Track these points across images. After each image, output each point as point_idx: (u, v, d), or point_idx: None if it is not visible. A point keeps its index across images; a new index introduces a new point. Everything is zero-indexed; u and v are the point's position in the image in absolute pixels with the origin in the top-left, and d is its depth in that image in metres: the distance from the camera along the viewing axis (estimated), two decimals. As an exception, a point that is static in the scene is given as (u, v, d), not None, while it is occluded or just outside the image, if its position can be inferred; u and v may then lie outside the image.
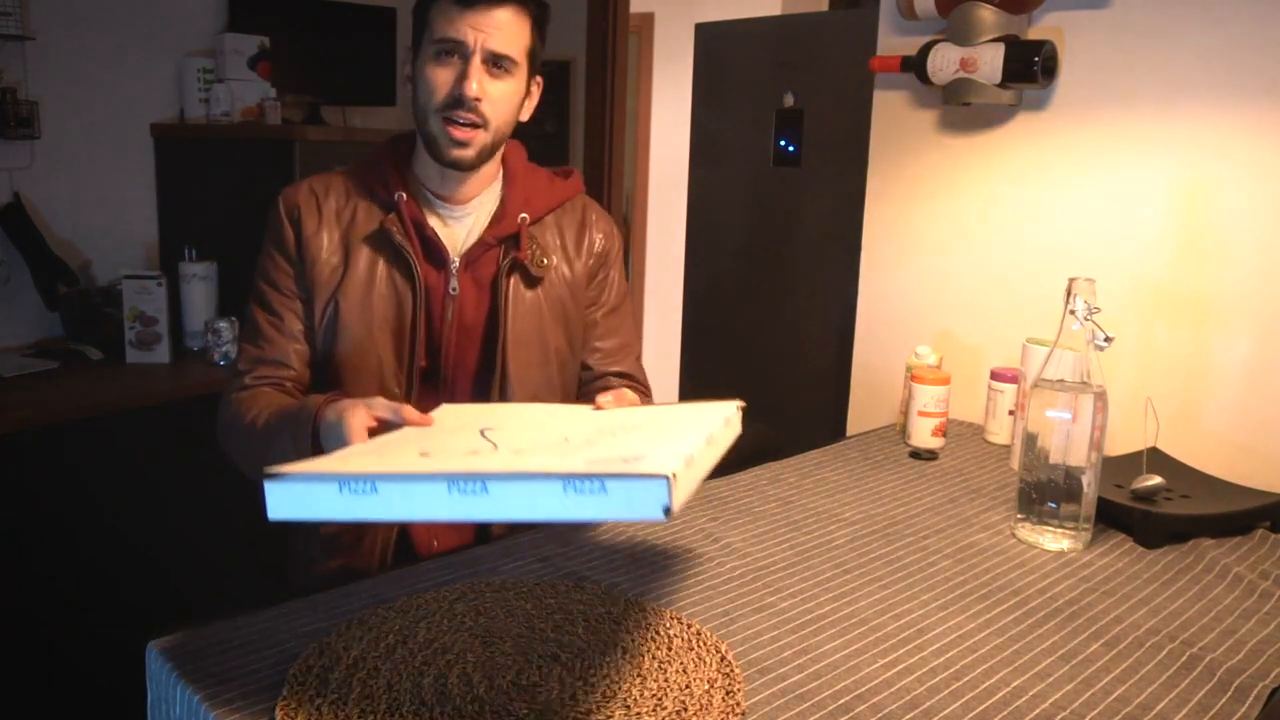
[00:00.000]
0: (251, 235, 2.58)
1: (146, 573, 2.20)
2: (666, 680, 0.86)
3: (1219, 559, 1.19)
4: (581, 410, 1.10)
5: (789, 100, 2.37)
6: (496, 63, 1.23)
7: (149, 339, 2.40)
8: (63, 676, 2.09)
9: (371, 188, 1.32)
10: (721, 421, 0.94)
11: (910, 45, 1.74)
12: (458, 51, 1.22)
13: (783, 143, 2.40)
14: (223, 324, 2.44)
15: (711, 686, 0.86)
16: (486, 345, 1.31)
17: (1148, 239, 1.56)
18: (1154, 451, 1.42)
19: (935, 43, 1.68)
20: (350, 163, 1.39)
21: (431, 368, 1.30)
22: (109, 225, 2.66)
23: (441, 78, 1.23)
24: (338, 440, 1.02)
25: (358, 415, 1.02)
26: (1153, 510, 1.25)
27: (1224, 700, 0.88)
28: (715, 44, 2.53)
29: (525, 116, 1.33)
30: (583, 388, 1.41)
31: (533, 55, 1.29)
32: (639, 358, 1.47)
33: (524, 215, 1.33)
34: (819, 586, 1.09)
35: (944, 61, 1.67)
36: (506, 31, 1.23)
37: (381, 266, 1.28)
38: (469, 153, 1.25)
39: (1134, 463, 1.37)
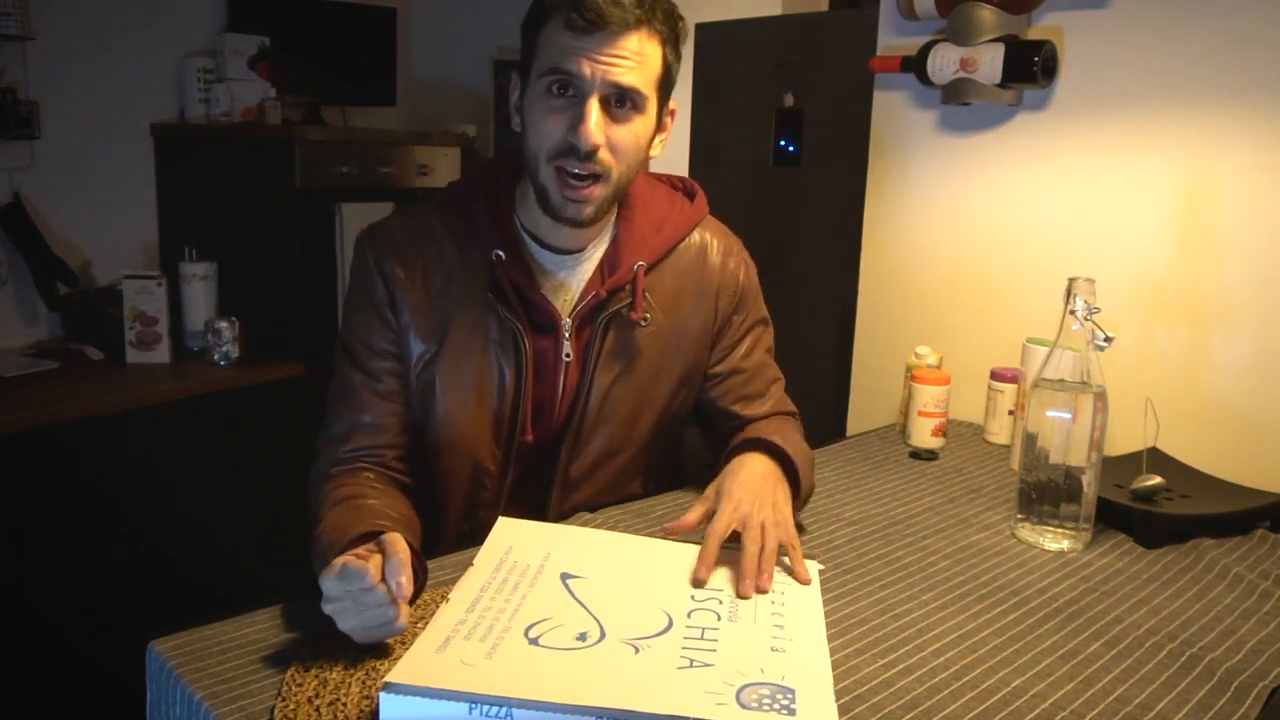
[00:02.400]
0: (251, 235, 2.61)
1: (147, 572, 2.20)
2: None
3: (1219, 559, 1.19)
4: (660, 550, 1.08)
5: (789, 100, 2.37)
6: (620, 100, 1.05)
7: (149, 339, 2.40)
8: (63, 674, 2.09)
9: (467, 236, 1.17)
10: (818, 597, 1.01)
11: (910, 45, 1.74)
12: (572, 87, 1.04)
13: (783, 143, 2.40)
14: (223, 324, 2.44)
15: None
16: (576, 401, 1.20)
17: (1148, 239, 1.56)
18: (1154, 451, 1.42)
19: (935, 43, 1.68)
20: (442, 195, 1.22)
21: (527, 429, 1.18)
22: (109, 225, 2.66)
23: (553, 119, 1.05)
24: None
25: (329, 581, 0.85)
26: (1153, 510, 1.25)
27: (1224, 700, 0.88)
28: (715, 44, 2.52)
29: (657, 153, 1.15)
30: (729, 436, 1.26)
31: (665, 83, 1.10)
32: (783, 385, 1.33)
33: (640, 263, 1.18)
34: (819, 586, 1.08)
35: (944, 61, 1.66)
36: (633, 61, 1.03)
37: (483, 338, 1.15)
38: (586, 210, 1.09)
39: (1134, 463, 1.36)
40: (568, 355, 1.18)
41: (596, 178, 1.08)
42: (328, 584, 0.86)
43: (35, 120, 2.44)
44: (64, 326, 2.56)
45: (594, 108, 1.04)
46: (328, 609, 0.87)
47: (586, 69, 1.03)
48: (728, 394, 1.30)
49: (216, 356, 2.44)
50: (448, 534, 1.24)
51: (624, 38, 1.03)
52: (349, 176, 2.62)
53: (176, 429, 2.28)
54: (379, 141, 2.75)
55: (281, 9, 2.92)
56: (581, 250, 1.20)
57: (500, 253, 1.15)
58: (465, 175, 1.25)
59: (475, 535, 1.22)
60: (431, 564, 1.08)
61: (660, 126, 1.14)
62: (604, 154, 1.07)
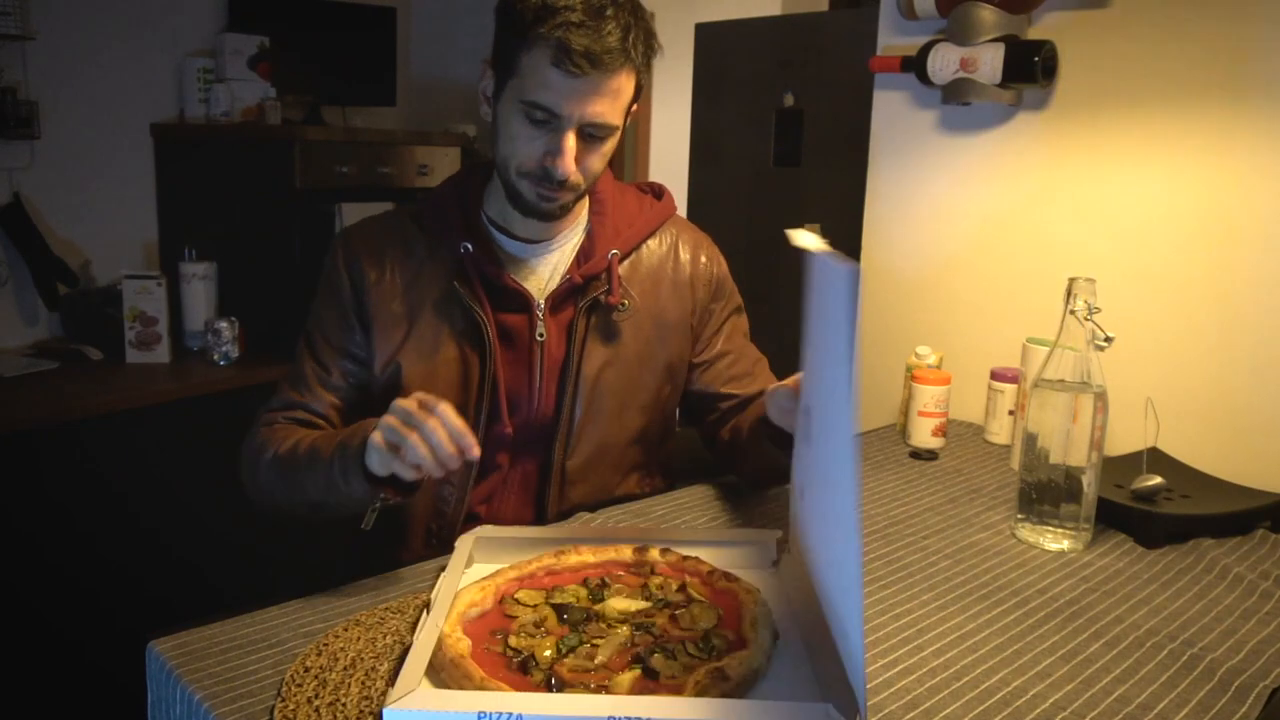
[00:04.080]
0: (251, 235, 2.60)
1: (148, 572, 2.20)
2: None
3: (1219, 559, 1.19)
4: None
5: (789, 100, 2.37)
6: (594, 131, 1.11)
7: (149, 339, 2.40)
8: (63, 674, 2.09)
9: (438, 234, 1.21)
10: None
11: (910, 45, 1.74)
12: (550, 122, 1.09)
13: (783, 143, 2.40)
14: (222, 324, 2.44)
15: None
16: (563, 392, 1.22)
17: (1148, 239, 1.56)
18: (1154, 451, 1.42)
19: (935, 43, 1.68)
20: (416, 200, 1.28)
21: (504, 419, 1.21)
22: (109, 225, 2.66)
23: (528, 144, 1.10)
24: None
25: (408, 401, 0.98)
26: (1153, 510, 1.25)
27: (1224, 700, 0.88)
28: (715, 44, 2.53)
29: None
30: (724, 418, 1.34)
31: (634, 100, 1.15)
32: (767, 365, 1.38)
33: (614, 251, 1.23)
34: (819, 586, 1.09)
35: (944, 61, 1.66)
36: (611, 98, 1.09)
37: (449, 327, 1.19)
38: (554, 207, 1.16)
39: (1134, 463, 1.36)
40: (541, 335, 1.20)
41: (566, 190, 1.14)
42: (400, 407, 0.96)
43: (35, 120, 2.44)
44: (64, 326, 2.56)
45: (571, 140, 1.10)
46: (393, 436, 0.95)
47: (566, 108, 1.08)
48: (719, 377, 1.35)
49: (216, 356, 2.44)
50: (414, 531, 1.24)
51: (608, 80, 1.08)
52: (349, 176, 2.62)
53: (176, 429, 2.28)
54: (379, 141, 2.75)
55: (281, 9, 2.92)
56: (551, 239, 1.24)
57: (468, 245, 1.19)
58: (441, 183, 1.30)
59: (442, 533, 1.23)
60: (407, 571, 1.08)
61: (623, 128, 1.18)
62: (574, 176, 1.13)
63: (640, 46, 1.10)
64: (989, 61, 1.61)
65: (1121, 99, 1.57)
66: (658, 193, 1.34)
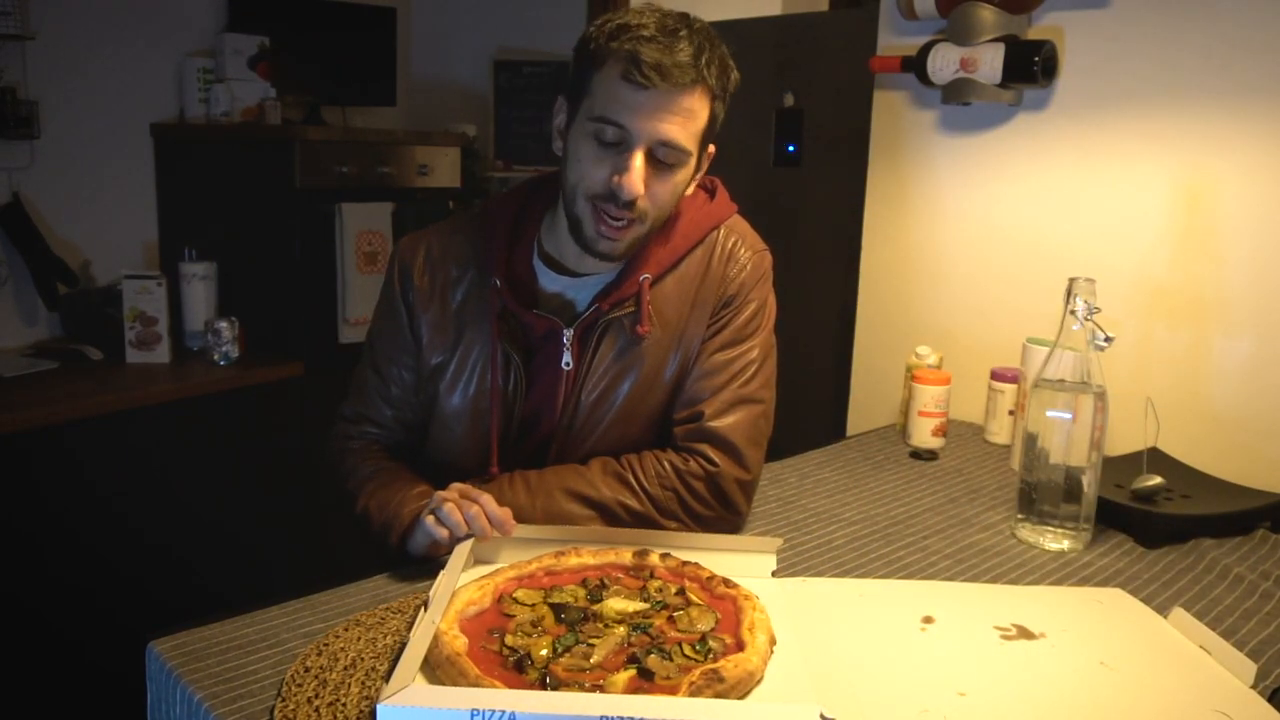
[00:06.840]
0: (251, 235, 2.61)
1: (147, 572, 2.20)
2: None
3: (1219, 559, 1.19)
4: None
5: (789, 100, 2.37)
6: (664, 155, 1.08)
7: (149, 339, 2.40)
8: (63, 674, 2.09)
9: (485, 258, 1.19)
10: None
11: (910, 45, 1.74)
12: (620, 139, 1.06)
13: (783, 143, 2.40)
14: (223, 324, 2.44)
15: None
16: (578, 407, 1.20)
17: (1148, 239, 1.56)
18: (1154, 451, 1.42)
19: (935, 43, 1.68)
20: (478, 210, 1.25)
21: (528, 444, 1.21)
22: (109, 225, 2.66)
23: (597, 163, 1.07)
24: (425, 537, 1.06)
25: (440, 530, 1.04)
26: (1153, 510, 1.25)
27: (1224, 700, 0.88)
28: (715, 44, 2.52)
29: (689, 191, 1.17)
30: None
31: (708, 133, 1.12)
32: (733, 405, 1.19)
33: (646, 275, 1.16)
34: (819, 586, 1.08)
35: (944, 61, 1.67)
36: (682, 118, 1.06)
37: (484, 362, 1.18)
38: (618, 248, 1.11)
39: (1134, 463, 1.36)
40: (567, 364, 1.17)
41: (632, 221, 1.10)
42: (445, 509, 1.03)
43: (35, 120, 2.44)
44: (64, 326, 2.55)
45: (639, 160, 1.06)
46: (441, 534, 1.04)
47: (637, 125, 1.05)
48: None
49: (216, 356, 2.44)
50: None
51: (678, 97, 1.05)
52: (349, 176, 2.62)
53: (176, 429, 2.28)
54: (379, 141, 2.74)
55: (281, 9, 2.92)
56: (595, 275, 1.19)
57: (498, 281, 1.16)
58: (505, 191, 1.27)
59: None
60: (407, 571, 1.08)
61: (697, 168, 1.15)
62: (642, 202, 1.09)
63: (714, 70, 1.08)
64: (989, 61, 1.61)
65: (1121, 99, 1.57)
66: (711, 190, 1.25)
